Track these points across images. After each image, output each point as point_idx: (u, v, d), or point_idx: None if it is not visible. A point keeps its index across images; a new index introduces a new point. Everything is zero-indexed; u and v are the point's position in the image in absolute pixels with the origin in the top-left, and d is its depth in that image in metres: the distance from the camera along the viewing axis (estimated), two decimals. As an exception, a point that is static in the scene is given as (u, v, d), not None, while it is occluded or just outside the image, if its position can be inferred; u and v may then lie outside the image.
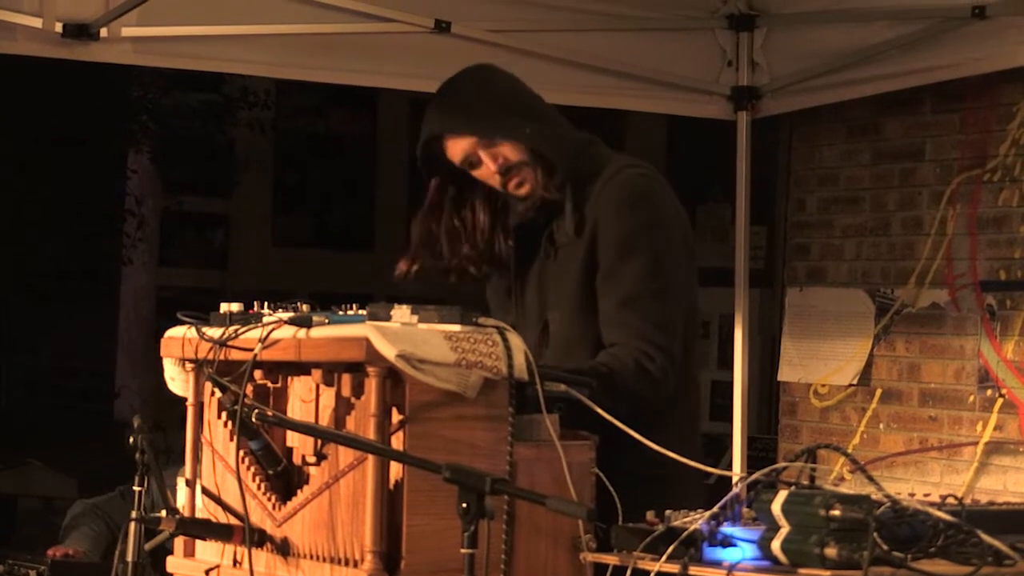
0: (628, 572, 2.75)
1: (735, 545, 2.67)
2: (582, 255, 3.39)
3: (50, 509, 9.69)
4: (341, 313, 3.02)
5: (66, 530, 5.27)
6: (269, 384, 3.19)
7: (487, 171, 3.44)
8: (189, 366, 3.26)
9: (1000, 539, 2.66)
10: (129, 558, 3.11)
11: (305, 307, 3.08)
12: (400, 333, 2.86)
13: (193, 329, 3.16)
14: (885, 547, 2.56)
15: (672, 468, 3.09)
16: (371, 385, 2.87)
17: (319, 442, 3.06)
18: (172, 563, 3.31)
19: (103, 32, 4.66)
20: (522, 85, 3.54)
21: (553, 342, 3.44)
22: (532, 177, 3.43)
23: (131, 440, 3.12)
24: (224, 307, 3.15)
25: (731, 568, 2.62)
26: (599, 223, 3.38)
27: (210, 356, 3.09)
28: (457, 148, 3.44)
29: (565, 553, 2.99)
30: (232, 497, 3.13)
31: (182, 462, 3.32)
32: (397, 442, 2.89)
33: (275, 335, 3.00)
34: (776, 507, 2.62)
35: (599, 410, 3.03)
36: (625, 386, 3.24)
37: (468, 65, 3.56)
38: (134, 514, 3.09)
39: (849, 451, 3.18)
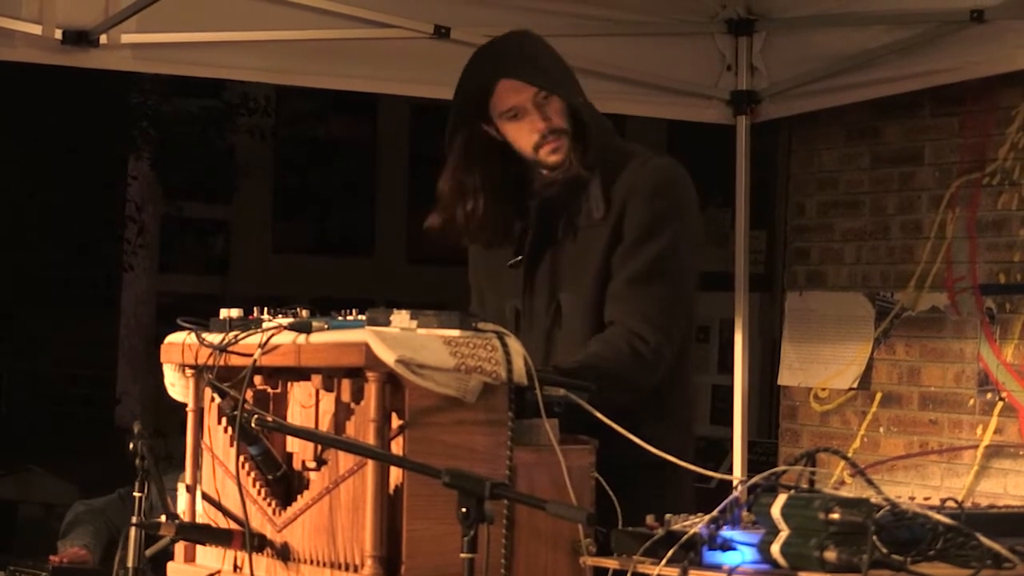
0: (628, 576, 2.75)
1: (735, 549, 2.67)
2: (606, 237, 3.41)
3: (51, 515, 9.69)
4: (341, 318, 3.03)
5: (68, 527, 5.27)
6: (269, 389, 3.19)
7: (528, 127, 3.43)
8: (189, 372, 3.26)
9: (1000, 542, 2.66)
10: (130, 564, 3.11)
11: (305, 313, 3.09)
12: (399, 338, 2.87)
13: (193, 335, 3.17)
14: (884, 550, 2.56)
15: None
16: (371, 390, 2.87)
17: (319, 447, 3.06)
18: (172, 569, 3.32)
19: (103, 39, 4.66)
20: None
21: (566, 323, 3.44)
22: (566, 148, 3.43)
23: (132, 446, 3.13)
24: (224, 313, 3.15)
25: (731, 571, 2.63)
26: (627, 205, 3.41)
27: (210, 362, 3.09)
28: (510, 96, 3.42)
29: (565, 557, 2.99)
30: (232, 502, 3.14)
31: (182, 468, 3.32)
32: (397, 447, 2.89)
33: (275, 341, 3.01)
34: (776, 510, 2.62)
35: (599, 415, 3.03)
36: (618, 373, 3.27)
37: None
38: (134, 520, 3.09)
39: (849, 455, 3.20)
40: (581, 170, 3.42)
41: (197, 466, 3.28)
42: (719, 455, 8.05)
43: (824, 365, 6.06)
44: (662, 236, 3.39)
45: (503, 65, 3.44)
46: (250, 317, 3.13)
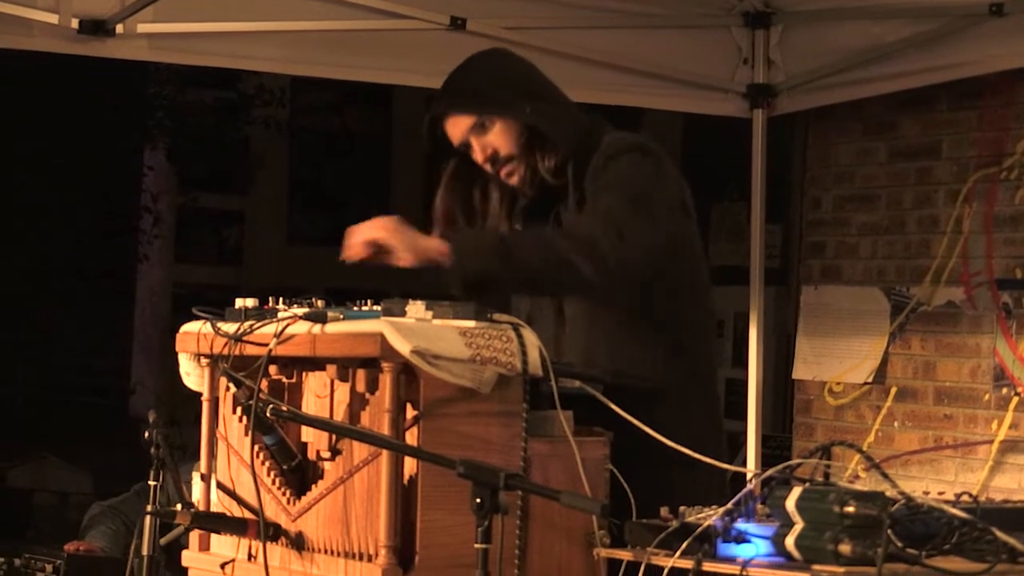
0: (642, 568, 2.75)
1: (749, 541, 2.67)
2: None
3: (65, 504, 9.72)
4: (356, 309, 3.03)
5: (84, 530, 5.28)
6: (284, 379, 3.19)
7: (477, 157, 3.44)
8: (204, 361, 3.26)
9: (1015, 537, 2.66)
10: (144, 552, 3.12)
11: (320, 303, 3.09)
12: (415, 329, 2.87)
13: (208, 324, 3.17)
14: (899, 544, 2.56)
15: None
16: (385, 381, 2.87)
17: (334, 437, 3.06)
18: (187, 557, 3.32)
19: (119, 28, 4.67)
20: (531, 68, 3.53)
21: (569, 320, 3.43)
22: (520, 170, 3.42)
23: (147, 435, 3.13)
24: (239, 303, 3.15)
25: (745, 564, 2.62)
26: (592, 186, 3.38)
27: (225, 351, 3.10)
28: (454, 130, 3.43)
29: (579, 549, 2.99)
30: (247, 492, 3.14)
31: (197, 457, 3.33)
32: (411, 437, 2.89)
33: (290, 330, 3.01)
34: (790, 503, 2.62)
35: (614, 407, 3.03)
36: (570, 248, 3.18)
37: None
38: (149, 508, 3.10)
39: (864, 449, 3.19)
40: (551, 178, 3.41)
41: (212, 455, 3.28)
42: (733, 449, 8.04)
43: (839, 359, 6.05)
44: (616, 186, 3.29)
45: (444, 100, 3.45)
46: (265, 307, 3.13)
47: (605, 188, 3.32)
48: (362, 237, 3.10)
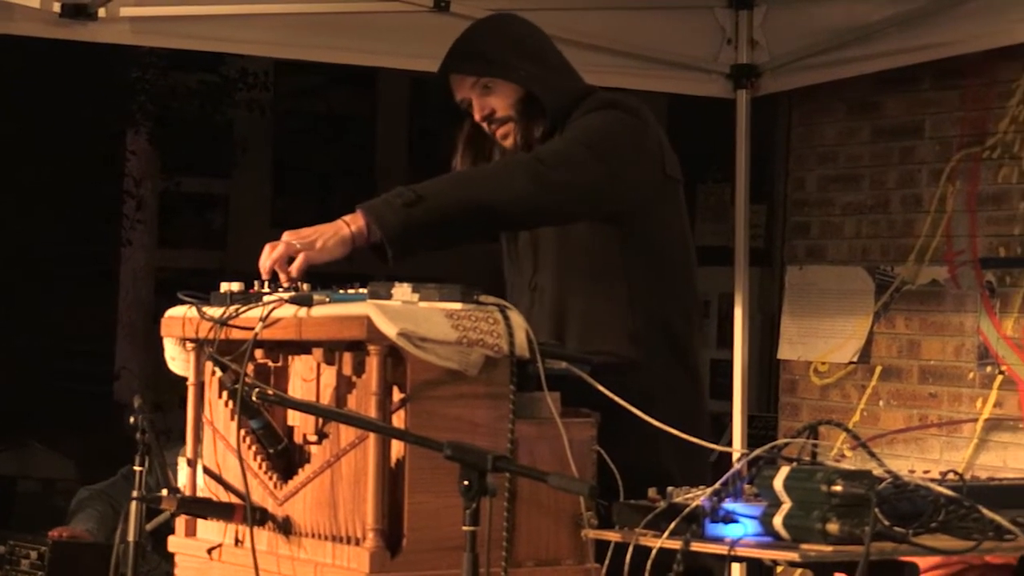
0: (630, 549, 2.75)
1: (737, 521, 2.67)
2: None
3: (50, 491, 9.69)
4: (342, 292, 3.02)
5: (72, 514, 5.28)
6: (270, 363, 3.19)
7: (477, 116, 3.46)
8: (190, 346, 3.26)
9: (1000, 514, 2.66)
10: (130, 538, 3.11)
11: (306, 286, 3.08)
12: (401, 311, 2.86)
13: (194, 309, 3.16)
14: (887, 522, 2.56)
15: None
16: (372, 363, 2.87)
17: (320, 421, 3.06)
18: (173, 543, 3.32)
19: (101, 12, 4.65)
20: (538, 34, 3.54)
21: (537, 294, 3.43)
22: (515, 131, 3.42)
23: (132, 420, 3.12)
24: (224, 286, 3.15)
25: (733, 544, 2.63)
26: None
27: (211, 336, 3.09)
28: (457, 90, 3.46)
29: (567, 530, 2.99)
30: (233, 476, 3.13)
31: (182, 442, 3.32)
32: (398, 420, 2.89)
33: (276, 314, 3.00)
34: (778, 483, 2.62)
35: (601, 388, 3.03)
36: (505, 169, 3.25)
37: None
38: (135, 494, 3.09)
39: (850, 428, 3.20)
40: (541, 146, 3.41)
41: (198, 440, 3.27)
42: (718, 429, 8.05)
43: (824, 339, 6.06)
44: (575, 124, 3.33)
45: (448, 60, 3.47)
46: (251, 291, 3.13)
47: (566, 132, 3.34)
48: (266, 261, 3.10)
